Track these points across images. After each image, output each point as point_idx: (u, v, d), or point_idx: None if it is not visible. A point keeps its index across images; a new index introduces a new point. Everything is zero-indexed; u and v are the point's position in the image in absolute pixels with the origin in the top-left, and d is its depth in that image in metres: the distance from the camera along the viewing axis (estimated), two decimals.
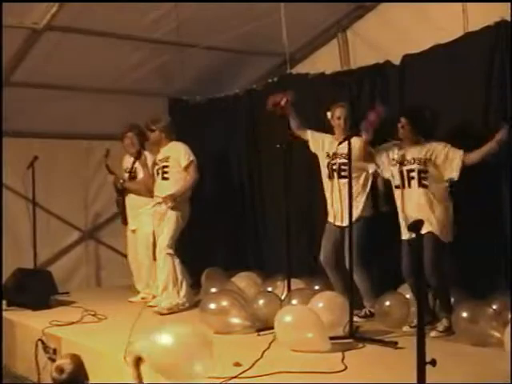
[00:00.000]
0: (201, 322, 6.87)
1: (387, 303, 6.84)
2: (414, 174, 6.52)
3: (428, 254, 6.24)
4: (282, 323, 6.04)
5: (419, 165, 6.50)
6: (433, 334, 6.28)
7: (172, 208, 8.07)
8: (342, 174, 7.23)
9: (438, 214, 6.43)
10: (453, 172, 6.39)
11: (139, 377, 4.66)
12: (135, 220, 8.93)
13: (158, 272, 8.20)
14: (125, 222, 9.07)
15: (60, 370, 5.62)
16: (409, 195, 6.56)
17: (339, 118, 7.36)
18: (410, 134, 6.63)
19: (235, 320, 6.74)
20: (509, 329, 5.47)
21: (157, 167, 8.37)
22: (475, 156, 6.30)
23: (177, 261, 8.10)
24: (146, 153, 8.86)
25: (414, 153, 6.57)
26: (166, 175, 8.28)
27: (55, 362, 6.08)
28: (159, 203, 8.19)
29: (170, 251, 8.07)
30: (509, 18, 6.48)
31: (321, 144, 7.57)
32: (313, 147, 7.63)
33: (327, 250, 7.45)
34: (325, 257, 7.46)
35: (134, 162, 8.81)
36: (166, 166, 8.24)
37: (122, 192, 8.94)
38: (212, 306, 6.89)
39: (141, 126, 8.79)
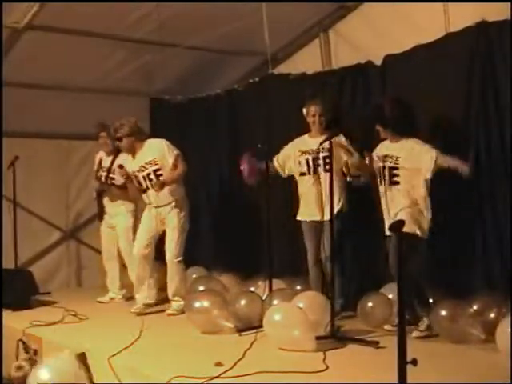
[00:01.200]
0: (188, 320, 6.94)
1: (369, 304, 6.86)
2: (386, 172, 6.51)
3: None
4: (271, 321, 6.06)
5: (390, 162, 6.48)
6: (415, 334, 6.27)
7: (175, 211, 7.91)
8: (327, 167, 7.15)
9: (412, 211, 6.37)
10: (426, 172, 6.33)
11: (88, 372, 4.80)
12: (115, 216, 8.90)
13: (168, 279, 8.00)
14: (100, 218, 9.04)
15: (18, 368, 5.72)
16: (384, 192, 6.55)
17: (314, 116, 7.41)
18: (383, 133, 6.62)
19: (221, 320, 6.71)
20: (504, 328, 5.49)
21: (144, 173, 7.92)
22: (446, 161, 6.24)
23: None
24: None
25: (389, 150, 6.55)
26: (161, 178, 7.90)
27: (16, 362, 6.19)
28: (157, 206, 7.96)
29: (180, 258, 7.95)
30: (490, 19, 6.52)
31: (290, 156, 7.67)
32: (282, 169, 7.77)
33: (313, 253, 7.51)
34: (314, 258, 7.50)
35: (112, 161, 8.77)
36: (158, 170, 7.87)
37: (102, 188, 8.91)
38: (197, 305, 6.85)
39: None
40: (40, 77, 8.71)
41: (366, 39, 8.02)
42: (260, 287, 7.55)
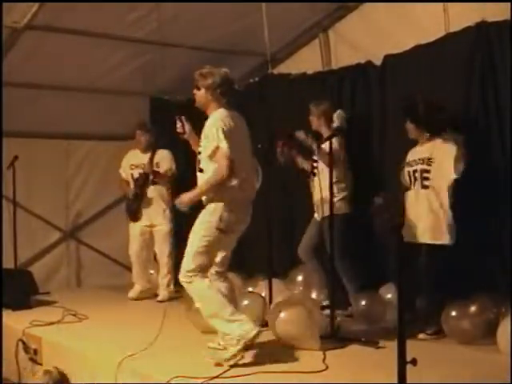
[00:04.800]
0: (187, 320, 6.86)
1: (366, 303, 6.87)
2: (418, 175, 6.46)
3: (427, 265, 6.30)
4: (276, 319, 6.07)
5: (422, 164, 6.43)
6: (421, 336, 6.26)
7: None
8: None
9: (441, 217, 6.34)
10: (450, 173, 6.29)
11: None
12: (155, 215, 8.97)
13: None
14: (135, 218, 9.01)
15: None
16: (413, 197, 6.51)
17: (311, 116, 7.46)
18: (414, 132, 6.59)
19: None
20: (504, 328, 5.49)
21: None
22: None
23: None
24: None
25: (419, 153, 6.53)
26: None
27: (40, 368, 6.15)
28: None
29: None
30: (490, 19, 6.52)
31: None
32: None
33: (303, 242, 7.61)
34: (301, 249, 7.58)
35: (151, 157, 8.94)
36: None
37: (142, 185, 8.97)
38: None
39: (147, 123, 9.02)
40: (40, 77, 8.71)
41: (366, 39, 8.01)
42: (260, 287, 7.55)
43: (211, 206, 5.74)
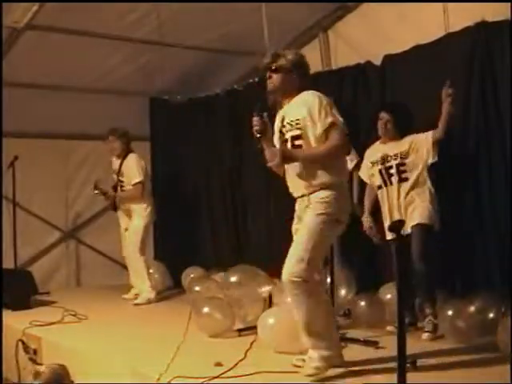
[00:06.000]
0: (195, 324, 6.76)
1: (365, 304, 6.87)
2: (393, 171, 6.47)
3: (417, 244, 6.22)
4: (265, 324, 6.02)
5: (396, 159, 6.45)
6: (424, 336, 6.22)
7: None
8: None
9: (423, 202, 6.35)
10: (428, 156, 6.36)
11: None
12: (127, 220, 8.99)
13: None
14: (114, 208, 9.07)
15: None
16: (391, 193, 6.51)
17: None
18: (392, 130, 6.57)
19: (229, 323, 6.68)
20: (504, 328, 5.48)
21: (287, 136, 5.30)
22: (441, 128, 6.27)
23: None
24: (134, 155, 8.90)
25: (393, 149, 6.52)
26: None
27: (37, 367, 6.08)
28: None
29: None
30: (490, 19, 6.52)
31: None
32: None
33: None
34: None
35: (120, 164, 8.89)
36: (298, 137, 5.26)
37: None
38: (206, 310, 6.66)
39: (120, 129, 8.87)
40: (40, 77, 8.72)
41: (366, 39, 8.02)
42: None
43: (321, 195, 5.07)
